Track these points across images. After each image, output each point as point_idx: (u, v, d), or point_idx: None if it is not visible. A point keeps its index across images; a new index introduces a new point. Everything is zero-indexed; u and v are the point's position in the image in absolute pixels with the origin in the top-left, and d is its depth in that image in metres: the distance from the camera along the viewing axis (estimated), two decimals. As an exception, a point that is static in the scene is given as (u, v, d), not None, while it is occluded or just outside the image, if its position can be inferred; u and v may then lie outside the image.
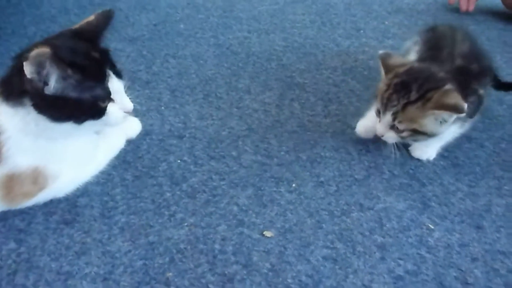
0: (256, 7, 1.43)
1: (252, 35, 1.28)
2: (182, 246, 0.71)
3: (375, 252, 0.71)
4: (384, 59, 0.87)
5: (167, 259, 0.69)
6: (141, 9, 1.39)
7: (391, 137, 0.84)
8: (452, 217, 0.78)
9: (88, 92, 0.69)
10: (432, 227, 0.76)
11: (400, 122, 0.81)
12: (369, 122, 0.89)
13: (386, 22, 1.39)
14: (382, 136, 0.85)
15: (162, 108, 0.98)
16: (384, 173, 0.86)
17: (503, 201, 0.82)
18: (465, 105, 0.77)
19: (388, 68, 0.85)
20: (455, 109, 0.78)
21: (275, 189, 0.81)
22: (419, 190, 0.83)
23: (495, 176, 0.87)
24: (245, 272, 0.67)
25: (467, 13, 1.46)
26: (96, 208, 0.76)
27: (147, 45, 1.20)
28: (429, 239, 0.74)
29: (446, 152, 0.91)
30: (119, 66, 0.76)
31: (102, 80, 0.71)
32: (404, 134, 0.82)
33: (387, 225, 0.76)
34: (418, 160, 0.89)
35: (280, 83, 1.09)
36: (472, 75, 0.88)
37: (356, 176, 0.85)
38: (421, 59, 0.92)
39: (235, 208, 0.77)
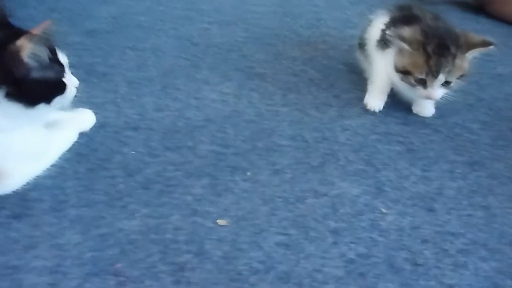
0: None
1: (213, 26, 1.27)
2: (133, 236, 0.70)
3: (327, 237, 0.72)
4: (400, 36, 0.91)
5: (117, 250, 0.68)
6: (101, 1, 1.36)
7: (442, 93, 0.93)
8: (404, 200, 0.80)
9: (56, 70, 0.72)
10: (385, 211, 0.77)
11: (452, 76, 0.90)
12: (380, 93, 0.99)
13: (348, 12, 1.40)
14: (435, 97, 0.93)
15: (118, 100, 0.97)
16: (339, 160, 0.87)
17: (454, 184, 0.84)
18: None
19: (410, 41, 0.90)
20: (487, 44, 0.91)
21: (230, 178, 0.81)
22: (373, 175, 0.84)
23: (448, 160, 0.89)
24: (196, 260, 0.67)
25: (429, 2, 1.48)
26: (46, 202, 0.75)
27: (106, 38, 1.18)
28: (382, 223, 0.75)
29: (401, 138, 0.93)
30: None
31: (57, 56, 0.73)
32: (453, 84, 0.91)
33: (341, 210, 0.77)
34: (374, 146, 0.90)
35: (240, 73, 1.08)
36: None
37: (312, 163, 0.85)
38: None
39: (189, 197, 0.77)
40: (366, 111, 0.99)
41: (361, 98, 1.03)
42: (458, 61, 0.89)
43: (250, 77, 1.07)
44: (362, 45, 1.05)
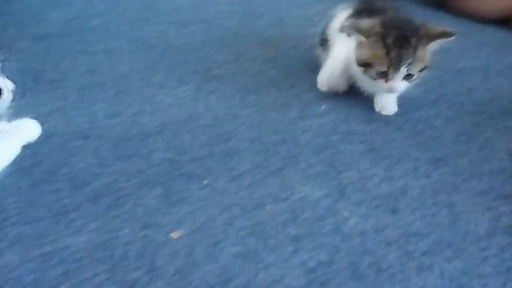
0: (178, 0, 1.38)
1: (171, 28, 1.22)
2: (79, 255, 0.65)
3: (287, 246, 0.68)
4: (357, 28, 0.89)
5: (61, 270, 0.63)
6: (53, 4, 1.30)
7: (403, 86, 0.90)
8: (367, 203, 0.77)
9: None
10: (347, 215, 0.74)
11: (412, 68, 0.87)
12: (334, 73, 0.97)
13: (310, 11, 1.37)
14: (396, 90, 0.90)
15: (68, 108, 0.92)
16: (300, 163, 0.83)
17: (418, 183, 0.81)
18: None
19: (367, 33, 0.88)
20: (448, 34, 0.89)
21: (185, 186, 0.77)
22: (335, 178, 0.81)
23: (411, 158, 0.86)
24: (147, 278, 0.63)
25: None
26: (-15, 221, 0.69)
27: (56, 42, 1.13)
28: (344, 227, 0.72)
29: (364, 137, 0.90)
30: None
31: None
32: (415, 76, 0.89)
33: (302, 216, 0.74)
34: (335, 147, 0.87)
35: (197, 76, 1.04)
36: None
37: (271, 168, 0.82)
38: None
39: (141, 210, 0.72)
40: (327, 111, 0.96)
41: (322, 98, 1.00)
42: (419, 53, 0.87)
43: (208, 79, 1.03)
44: (324, 41, 1.02)
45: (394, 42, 0.86)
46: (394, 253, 0.69)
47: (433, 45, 0.90)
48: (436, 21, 1.38)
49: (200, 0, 1.38)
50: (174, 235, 0.69)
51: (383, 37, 0.87)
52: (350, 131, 0.92)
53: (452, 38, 0.89)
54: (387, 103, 0.97)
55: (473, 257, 0.69)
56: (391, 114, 0.97)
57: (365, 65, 0.90)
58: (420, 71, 0.90)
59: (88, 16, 1.25)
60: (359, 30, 0.89)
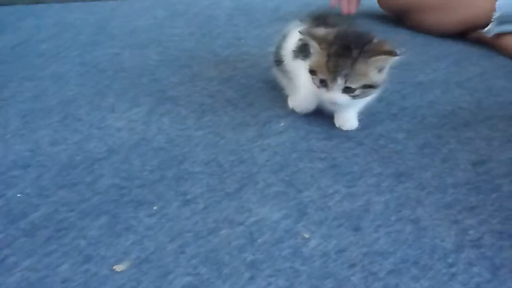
0: (132, 22, 1.34)
1: (124, 51, 1.18)
2: (10, 297, 0.58)
3: (243, 273, 0.63)
4: (310, 34, 0.88)
5: (-12, 316, 0.56)
6: (1, 29, 1.25)
7: (344, 100, 0.86)
8: (329, 222, 0.72)
9: None
10: (308, 236, 0.70)
11: (351, 81, 0.84)
12: (305, 94, 0.93)
13: (268, 30, 1.35)
14: (335, 102, 0.87)
15: (8, 136, 0.85)
16: (258, 183, 0.79)
17: (381, 198, 0.78)
18: (398, 50, 0.84)
19: (319, 40, 0.86)
20: (391, 52, 0.84)
21: (133, 214, 0.71)
22: (295, 197, 0.77)
23: (373, 174, 0.83)
24: (86, 318, 0.57)
25: (349, 15, 1.46)
26: None
27: (1, 68, 1.07)
28: (304, 250, 0.67)
29: (324, 154, 0.87)
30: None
31: None
32: (357, 92, 0.85)
33: (259, 240, 0.68)
34: (295, 165, 0.83)
35: (150, 98, 1.00)
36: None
37: (227, 190, 0.77)
38: None
39: (83, 242, 0.66)
40: (286, 129, 0.93)
41: (281, 116, 0.97)
42: (359, 66, 0.84)
43: (162, 101, 0.99)
44: (279, 62, 0.99)
45: (336, 51, 0.84)
46: (358, 275, 0.64)
47: (378, 63, 0.85)
48: (395, 36, 1.39)
49: (156, 22, 1.35)
50: (119, 267, 0.63)
51: (329, 45, 0.85)
52: (310, 148, 0.88)
53: (396, 57, 0.85)
54: (347, 118, 0.94)
55: (441, 274, 0.65)
56: (352, 129, 0.94)
57: (312, 72, 0.88)
58: (365, 88, 0.86)
59: (36, 41, 1.20)
60: (313, 37, 0.87)
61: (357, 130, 0.94)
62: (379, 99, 1.03)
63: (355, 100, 0.87)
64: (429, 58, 1.27)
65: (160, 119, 0.93)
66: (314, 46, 0.87)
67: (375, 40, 0.87)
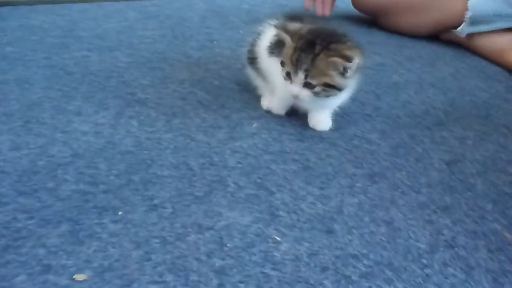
0: (101, 25, 1.31)
1: (92, 53, 1.15)
2: (-40, 311, 0.55)
3: (212, 279, 0.61)
4: (284, 27, 0.87)
5: None
6: (-37, 34, 1.20)
7: (306, 95, 0.85)
8: (301, 224, 0.70)
9: None
10: (279, 239, 0.67)
11: (312, 77, 0.82)
12: (280, 93, 0.91)
13: (241, 31, 1.33)
14: (297, 96, 0.85)
15: (-35, 142, 0.82)
16: (228, 186, 0.76)
17: (355, 199, 0.76)
18: (356, 57, 0.82)
19: (291, 34, 0.85)
20: (346, 58, 0.82)
21: (96, 221, 0.68)
22: (266, 200, 0.74)
23: (347, 174, 0.81)
24: (42, 331, 0.53)
25: (323, 16, 1.45)
26: None
27: (-39, 72, 1.03)
28: (276, 254, 0.65)
29: (297, 155, 0.85)
30: None
31: None
32: (317, 89, 0.84)
33: (229, 245, 0.66)
34: (267, 167, 0.81)
35: (118, 101, 0.96)
36: None
37: (196, 194, 0.74)
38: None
39: (42, 251, 0.62)
40: (259, 130, 0.91)
41: (254, 117, 0.95)
42: (319, 63, 0.82)
43: (131, 104, 0.96)
44: (253, 59, 0.97)
45: (301, 45, 0.83)
46: (331, 278, 0.62)
47: (336, 65, 0.82)
48: (369, 38, 1.39)
49: (126, 24, 1.32)
50: (80, 277, 0.59)
51: (298, 39, 0.84)
52: (283, 150, 0.86)
53: (350, 63, 0.82)
54: (320, 119, 0.92)
55: (415, 275, 0.64)
56: (326, 129, 0.92)
57: (281, 63, 0.86)
58: (326, 87, 0.83)
59: (1, 43, 1.15)
60: (285, 30, 0.85)
61: (331, 130, 0.93)
62: (353, 99, 1.02)
63: (319, 99, 0.86)
64: (403, 59, 1.26)
65: (128, 122, 0.90)
66: (286, 39, 0.86)
67: (343, 41, 0.85)
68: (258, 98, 1.00)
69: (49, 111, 0.91)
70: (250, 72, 1.01)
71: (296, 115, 0.95)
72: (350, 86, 0.88)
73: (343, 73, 0.83)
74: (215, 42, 1.26)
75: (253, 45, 0.98)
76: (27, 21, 1.28)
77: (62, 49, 1.15)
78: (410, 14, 1.37)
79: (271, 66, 0.92)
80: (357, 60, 0.83)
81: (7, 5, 1.36)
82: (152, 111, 0.94)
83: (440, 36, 1.39)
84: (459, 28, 1.30)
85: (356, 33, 1.41)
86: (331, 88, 0.84)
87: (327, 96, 0.86)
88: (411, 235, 0.70)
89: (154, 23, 1.35)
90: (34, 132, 0.85)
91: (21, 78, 1.01)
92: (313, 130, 0.92)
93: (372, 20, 1.48)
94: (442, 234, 0.71)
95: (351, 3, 1.48)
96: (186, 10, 1.46)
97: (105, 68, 1.08)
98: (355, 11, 1.50)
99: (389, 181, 0.81)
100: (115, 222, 0.68)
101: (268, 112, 0.96)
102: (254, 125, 0.92)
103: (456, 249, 0.68)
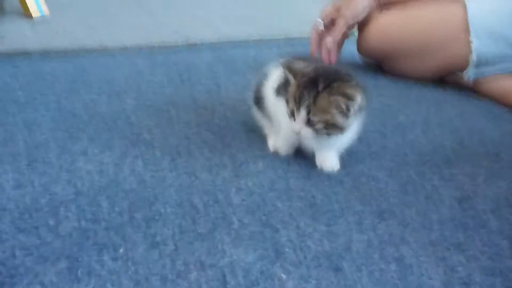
0: (111, 71, 1.33)
1: (101, 97, 1.16)
2: None
3: (214, 318, 0.58)
4: (288, 66, 0.87)
5: None
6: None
7: (307, 132, 0.84)
8: (308, 262, 0.68)
9: None
10: (285, 277, 0.65)
11: (313, 114, 0.82)
12: (287, 133, 0.90)
13: (248, 76, 1.35)
14: (299, 133, 0.85)
15: (-31, 180, 0.81)
16: (232, 223, 0.74)
17: (364, 236, 0.73)
18: (358, 96, 0.82)
19: (294, 73, 0.86)
20: (348, 96, 0.81)
21: (96, 258, 0.66)
22: (272, 237, 0.72)
23: (354, 211, 0.79)
24: None
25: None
26: None
27: (-29, 116, 1.04)
28: (281, 292, 0.62)
29: (303, 192, 0.83)
30: None
31: None
32: (319, 126, 0.83)
33: (232, 283, 0.63)
34: (272, 204, 0.80)
35: (124, 141, 0.96)
36: None
37: (199, 231, 0.72)
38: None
39: (38, 288, 0.61)
40: (264, 169, 0.90)
41: (259, 156, 0.94)
42: (321, 101, 0.81)
43: (136, 144, 0.96)
44: (258, 99, 0.98)
45: (304, 83, 0.83)
46: (340, 317, 0.59)
47: (338, 103, 0.81)
48: (375, 82, 1.40)
49: (135, 71, 1.35)
50: (75, 315, 0.57)
51: (302, 77, 0.84)
52: (288, 188, 0.84)
53: (352, 101, 0.82)
54: (327, 158, 0.91)
55: (430, 314, 0.60)
56: (333, 170, 0.91)
57: (286, 102, 0.86)
58: (327, 125, 0.82)
59: (12, 88, 1.18)
60: (290, 68, 0.86)
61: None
62: (359, 139, 1.01)
63: (323, 138, 0.85)
64: (409, 101, 1.26)
65: (133, 161, 0.89)
66: (289, 77, 0.86)
67: (346, 80, 0.85)
68: (263, 138, 0.99)
69: (55, 151, 0.91)
70: (255, 112, 1.01)
71: (302, 155, 0.94)
72: (352, 126, 0.87)
73: (344, 112, 0.83)
74: (221, 86, 1.27)
75: (259, 85, 0.99)
76: (39, 68, 1.31)
77: (71, 93, 1.17)
78: (414, 58, 1.38)
79: (277, 106, 0.92)
80: (359, 99, 0.82)
81: (21, 54, 1.41)
82: (158, 150, 0.94)
83: (446, 79, 1.40)
84: (464, 72, 1.31)
85: (362, 77, 1.41)
86: (332, 126, 0.84)
87: (328, 135, 0.85)
88: (424, 272, 0.67)
89: (162, 69, 1.38)
90: (39, 171, 0.85)
91: (30, 120, 1.03)
92: (320, 169, 0.91)
93: (378, 65, 1.50)
94: (457, 272, 0.67)
95: (356, 49, 1.50)
96: (194, 58, 1.49)
97: (112, 111, 1.09)
98: (361, 57, 1.53)
99: (398, 218, 0.78)
100: (115, 259, 0.66)
101: (274, 152, 0.95)
102: (260, 164, 0.91)
103: (472, 287, 0.65)
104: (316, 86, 0.83)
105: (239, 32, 1.77)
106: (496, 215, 0.80)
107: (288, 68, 0.87)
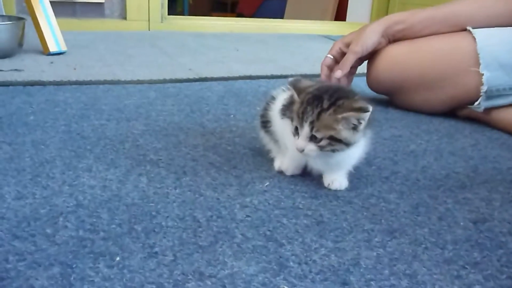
0: (123, 101, 1.35)
1: (110, 122, 1.17)
2: None
3: (210, 327, 0.54)
4: (294, 84, 0.87)
5: None
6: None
7: (311, 149, 0.82)
8: (313, 275, 0.64)
9: None
10: (288, 290, 0.61)
11: (317, 131, 0.81)
12: (294, 154, 0.89)
13: (258, 108, 1.35)
14: (303, 150, 0.83)
15: (-28, 191, 0.80)
16: (235, 237, 0.71)
17: (373, 253, 0.69)
18: (370, 106, 0.80)
19: (299, 91, 0.86)
20: (361, 109, 0.80)
21: (91, 265, 0.63)
22: (275, 251, 0.69)
23: (364, 230, 0.75)
24: None
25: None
26: None
27: (-19, 136, 1.05)
28: (284, 304, 0.58)
29: (310, 211, 0.80)
30: None
31: None
32: (323, 143, 0.81)
33: (232, 293, 0.60)
34: (278, 220, 0.77)
35: (130, 160, 0.95)
36: None
37: (200, 243, 0.69)
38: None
39: (28, 292, 0.58)
40: (270, 188, 0.87)
41: (266, 177, 0.92)
42: (326, 117, 0.80)
43: (141, 163, 0.94)
44: (265, 123, 0.97)
45: (308, 99, 0.82)
46: (346, 331, 0.55)
47: (350, 119, 0.80)
48: (385, 115, 1.39)
49: (147, 101, 1.36)
50: (63, 318, 0.54)
51: (306, 94, 0.83)
52: (295, 206, 0.82)
53: (367, 113, 0.80)
54: (336, 177, 0.89)
55: (445, 331, 0.55)
56: (341, 188, 0.88)
57: (291, 119, 0.85)
58: (332, 141, 0.81)
59: (24, 113, 1.19)
60: (295, 87, 0.86)
61: (346, 190, 0.88)
62: (369, 164, 0.99)
63: (327, 155, 0.83)
64: (421, 132, 1.24)
65: (137, 178, 0.88)
66: (294, 94, 0.86)
67: (351, 96, 0.84)
68: (271, 161, 0.98)
69: (60, 168, 0.91)
70: (263, 135, 1.00)
71: (310, 176, 0.92)
72: (359, 142, 0.85)
73: (355, 127, 0.82)
74: (231, 116, 1.28)
75: (266, 109, 0.99)
76: (52, 97, 1.33)
77: (82, 118, 1.18)
78: (424, 91, 1.38)
79: (283, 127, 0.91)
80: (371, 109, 0.81)
81: (36, 84, 1.44)
82: (163, 170, 0.92)
83: (457, 112, 1.38)
84: (475, 103, 1.29)
85: (374, 111, 1.42)
86: (337, 142, 0.82)
87: (333, 151, 0.83)
88: (438, 289, 0.63)
89: (173, 100, 1.39)
90: (42, 184, 0.84)
91: (38, 140, 1.03)
92: (328, 189, 0.88)
93: (388, 100, 1.49)
94: (473, 290, 0.63)
95: (366, 83, 1.51)
96: (205, 91, 1.51)
97: (120, 134, 1.09)
98: (371, 92, 1.53)
99: (410, 237, 0.74)
100: (110, 267, 0.63)
101: (281, 172, 0.93)
102: (267, 184, 0.89)
103: (491, 305, 0.60)
104: (321, 103, 0.82)
105: (251, 71, 1.80)
106: (515, 237, 0.76)
107: (294, 86, 0.87)
